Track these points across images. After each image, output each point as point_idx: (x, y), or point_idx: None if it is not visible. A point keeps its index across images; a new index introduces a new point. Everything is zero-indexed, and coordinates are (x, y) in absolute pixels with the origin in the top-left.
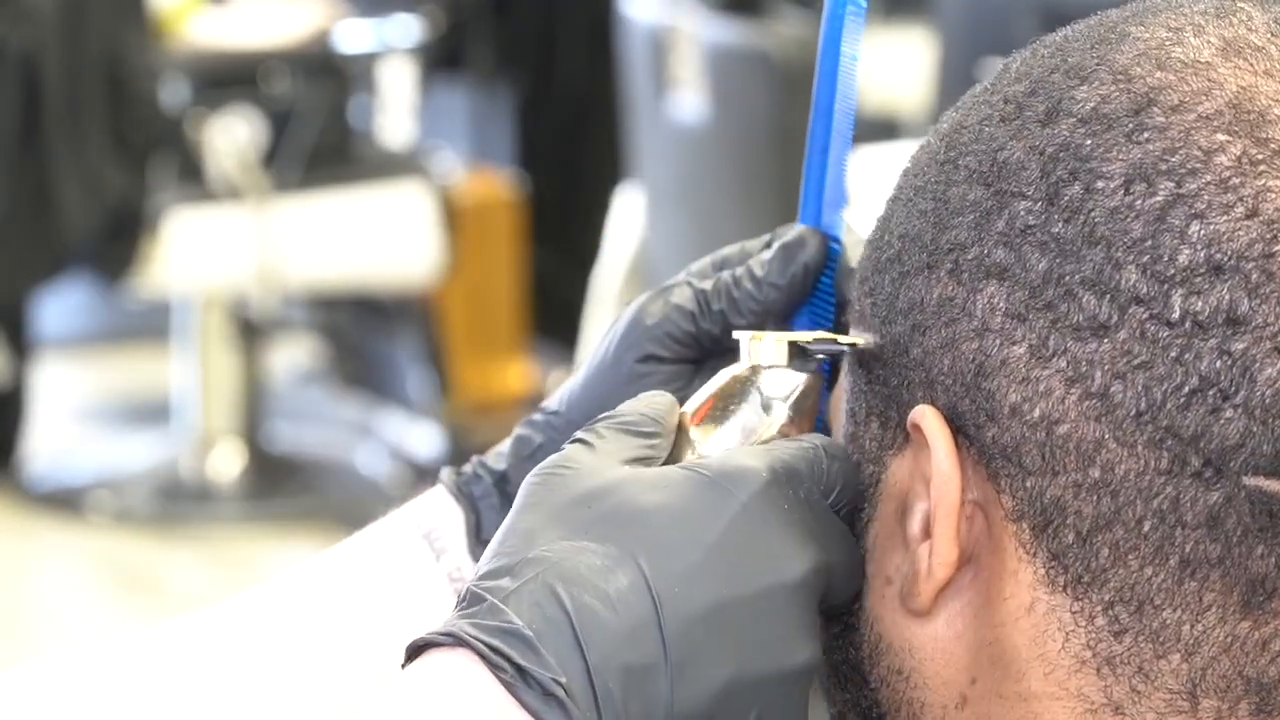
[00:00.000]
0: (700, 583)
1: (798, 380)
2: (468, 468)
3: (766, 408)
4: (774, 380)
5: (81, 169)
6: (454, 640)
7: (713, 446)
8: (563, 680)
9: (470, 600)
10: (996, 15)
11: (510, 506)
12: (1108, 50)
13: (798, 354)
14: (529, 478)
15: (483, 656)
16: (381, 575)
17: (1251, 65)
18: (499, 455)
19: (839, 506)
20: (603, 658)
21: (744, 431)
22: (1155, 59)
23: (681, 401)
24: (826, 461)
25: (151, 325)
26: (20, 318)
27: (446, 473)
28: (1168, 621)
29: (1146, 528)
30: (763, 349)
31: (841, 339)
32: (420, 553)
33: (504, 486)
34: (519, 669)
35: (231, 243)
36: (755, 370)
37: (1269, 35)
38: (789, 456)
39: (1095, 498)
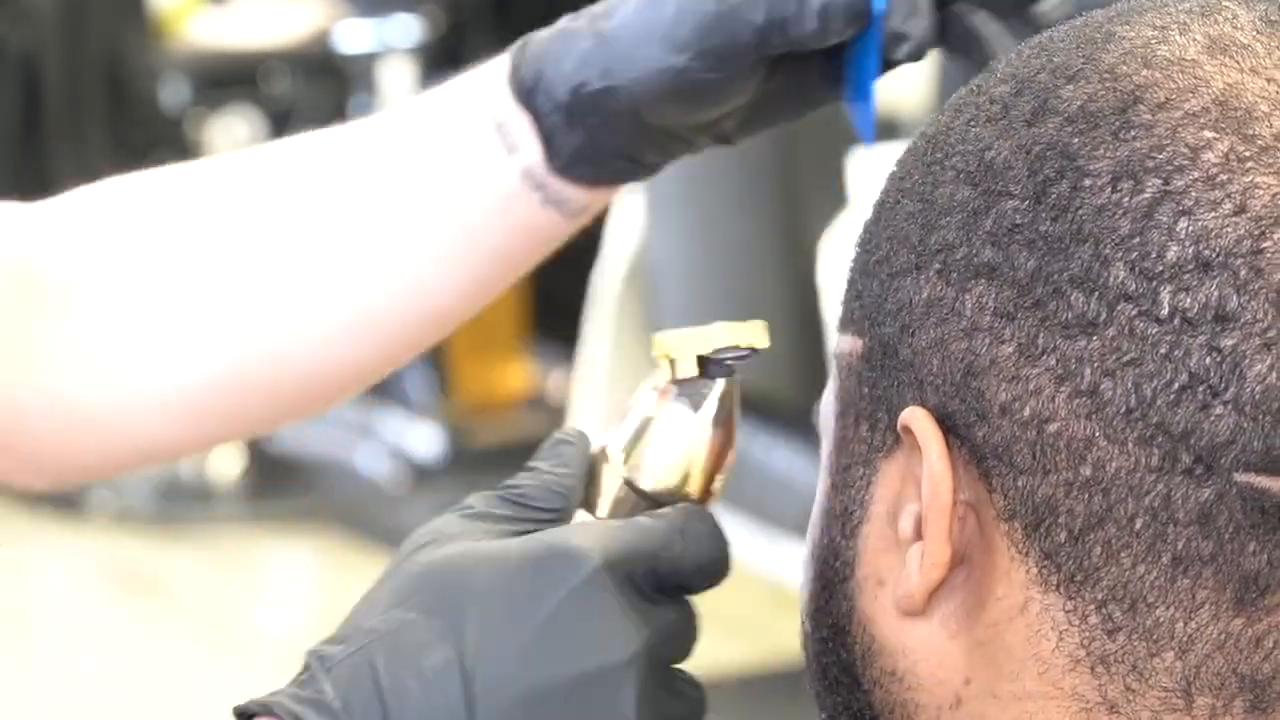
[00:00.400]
0: (518, 666)
1: (715, 389)
2: (526, 72)
3: (687, 422)
4: (690, 392)
5: (81, 169)
6: (266, 710)
7: (641, 471)
8: None
9: (304, 666)
10: None
11: (577, 129)
12: (1094, 49)
13: (708, 365)
14: (406, 541)
15: None
16: (452, 164)
17: (1237, 62)
18: (556, 77)
19: (698, 583)
20: None
21: (668, 449)
22: (1141, 57)
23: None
24: (680, 543)
25: None
26: None
27: (509, 71)
28: (1161, 619)
29: (1138, 525)
30: (676, 365)
31: (754, 345)
32: (492, 146)
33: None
34: None
35: None
36: (670, 386)
37: (1254, 32)
38: (631, 537)
39: (1087, 496)
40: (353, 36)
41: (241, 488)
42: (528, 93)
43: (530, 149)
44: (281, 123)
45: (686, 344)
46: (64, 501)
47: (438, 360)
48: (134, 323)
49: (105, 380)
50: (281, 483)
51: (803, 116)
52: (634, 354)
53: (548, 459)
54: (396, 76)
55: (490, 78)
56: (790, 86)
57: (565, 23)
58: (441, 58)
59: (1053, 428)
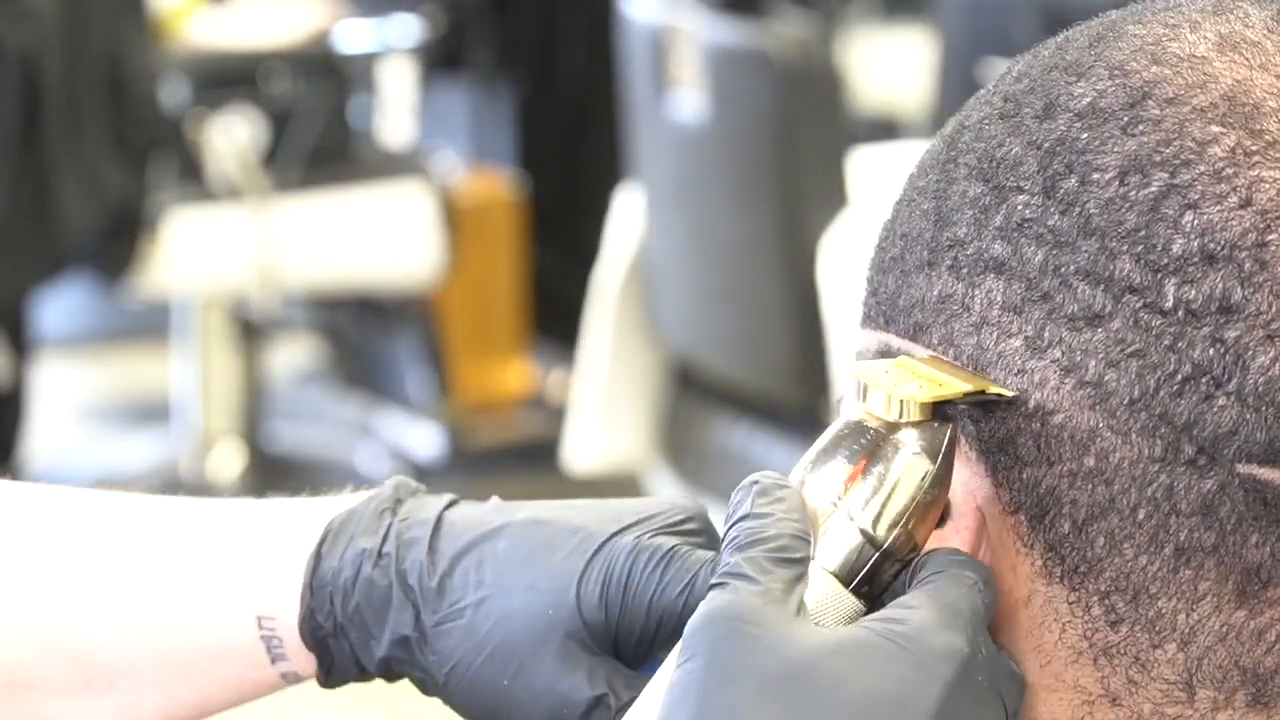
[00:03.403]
0: None
1: (947, 435)
2: (323, 619)
3: (927, 474)
4: (927, 439)
5: (81, 169)
6: None
7: (881, 525)
8: None
9: None
10: (996, 15)
11: (349, 640)
12: (1105, 47)
13: (937, 407)
14: (706, 627)
15: None
16: (209, 673)
17: (1247, 59)
18: (362, 644)
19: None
20: None
21: (910, 502)
22: (1151, 54)
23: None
24: (988, 597)
25: (151, 325)
26: (20, 318)
27: (299, 593)
28: (1163, 611)
29: (1141, 516)
30: (906, 406)
31: (985, 389)
32: (254, 656)
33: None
34: None
35: (231, 243)
36: (903, 431)
37: (1265, 30)
38: (973, 615)
39: (1090, 486)
40: (353, 36)
41: (241, 488)
42: (321, 639)
43: (302, 664)
44: (281, 123)
45: (903, 381)
46: None
47: (438, 360)
48: None
49: None
50: (281, 483)
51: None
52: (634, 354)
53: (769, 501)
54: (396, 76)
55: (264, 571)
56: None
57: (369, 569)
58: (441, 58)
59: (1057, 419)
